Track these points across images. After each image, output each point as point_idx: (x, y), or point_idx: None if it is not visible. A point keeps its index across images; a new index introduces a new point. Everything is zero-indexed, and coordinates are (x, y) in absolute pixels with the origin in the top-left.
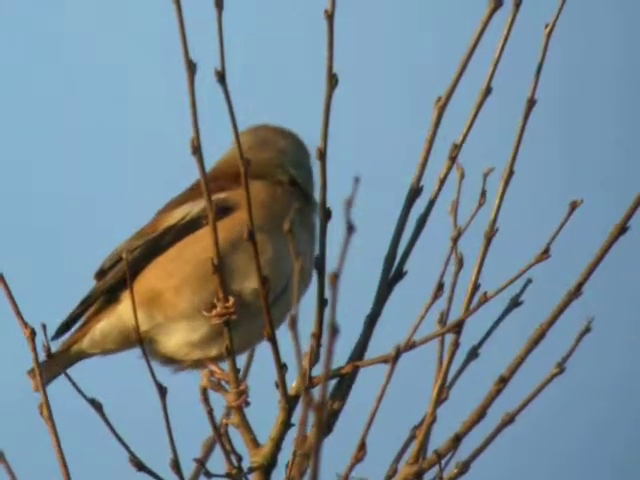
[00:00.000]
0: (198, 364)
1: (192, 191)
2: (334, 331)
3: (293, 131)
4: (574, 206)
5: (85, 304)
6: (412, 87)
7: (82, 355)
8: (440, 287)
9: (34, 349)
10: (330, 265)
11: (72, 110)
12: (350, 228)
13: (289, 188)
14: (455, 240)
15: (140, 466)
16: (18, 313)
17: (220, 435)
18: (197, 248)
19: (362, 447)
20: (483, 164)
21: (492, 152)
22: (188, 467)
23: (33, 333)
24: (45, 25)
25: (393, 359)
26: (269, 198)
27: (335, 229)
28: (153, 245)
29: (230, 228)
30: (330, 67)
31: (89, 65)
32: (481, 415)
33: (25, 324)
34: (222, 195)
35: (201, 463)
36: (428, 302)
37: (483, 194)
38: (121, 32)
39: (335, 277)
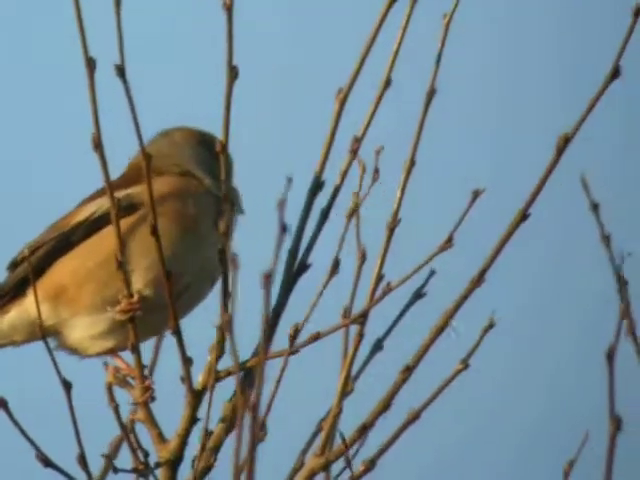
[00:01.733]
0: (104, 354)
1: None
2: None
3: (207, 133)
4: (476, 195)
5: None
6: (312, 80)
7: None
8: (335, 267)
9: None
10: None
11: None
12: (283, 228)
13: (198, 182)
14: (357, 231)
15: (47, 462)
16: None
17: (127, 431)
18: (101, 245)
19: (262, 426)
20: (384, 156)
21: (393, 144)
22: (97, 463)
23: None
24: None
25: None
26: (175, 193)
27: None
28: (63, 240)
29: (135, 224)
30: (230, 59)
31: None
32: (387, 405)
33: None
34: (127, 191)
35: (108, 459)
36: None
37: (376, 171)
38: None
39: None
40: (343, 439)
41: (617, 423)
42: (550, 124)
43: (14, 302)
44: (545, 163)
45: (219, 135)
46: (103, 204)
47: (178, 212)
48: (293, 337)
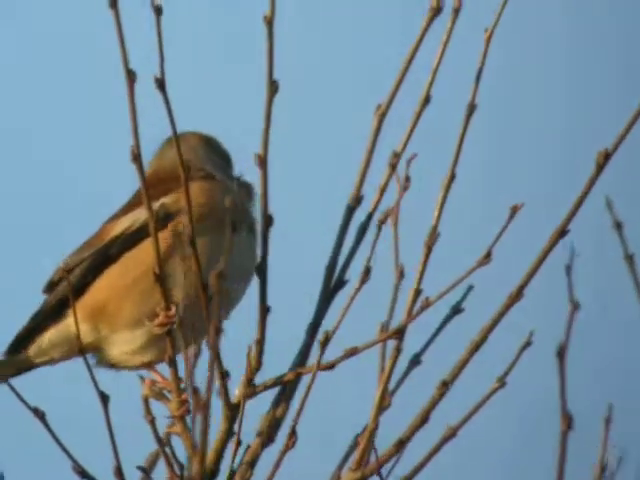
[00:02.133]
0: (143, 368)
1: (136, 199)
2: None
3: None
4: (515, 210)
5: (36, 320)
6: (352, 95)
7: (28, 363)
8: (366, 274)
9: None
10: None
11: None
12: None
13: (223, 184)
14: (396, 248)
15: (83, 474)
16: None
17: (162, 444)
18: (139, 258)
19: (292, 434)
20: (424, 172)
21: (432, 159)
22: (133, 475)
23: None
24: None
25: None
26: (209, 199)
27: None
28: (100, 257)
29: (172, 235)
30: (270, 73)
31: None
32: (424, 419)
33: None
34: (162, 201)
35: (144, 471)
36: (355, 289)
37: (407, 179)
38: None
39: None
40: (376, 455)
41: (569, 421)
42: (590, 139)
43: (54, 321)
44: (584, 179)
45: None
46: (139, 216)
47: (215, 217)
48: (324, 344)
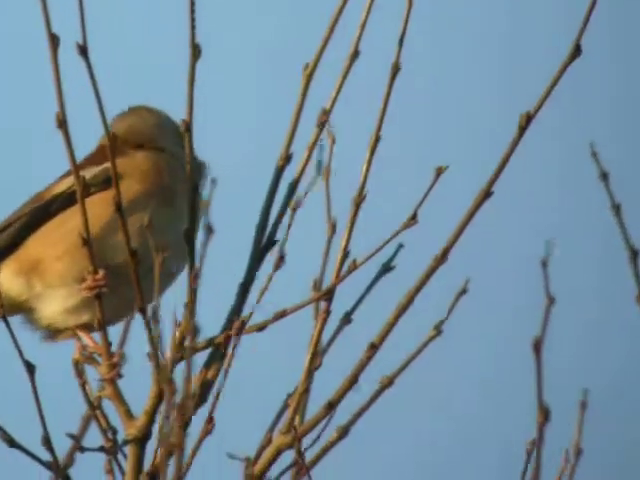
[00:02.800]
0: (72, 335)
1: (85, 161)
2: None
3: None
4: (439, 172)
5: None
6: (278, 56)
7: None
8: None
9: None
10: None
11: None
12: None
13: (173, 158)
14: (328, 204)
15: (11, 442)
16: None
17: (94, 408)
18: (76, 219)
19: (210, 420)
20: (351, 130)
21: (360, 118)
22: (65, 444)
23: None
24: None
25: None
26: (154, 167)
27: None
28: (39, 213)
29: (108, 199)
30: (193, 38)
31: None
32: (353, 382)
33: None
34: (105, 165)
35: (75, 438)
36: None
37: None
38: None
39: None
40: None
41: (545, 413)
42: (515, 100)
43: None
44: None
45: (177, 115)
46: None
47: (156, 185)
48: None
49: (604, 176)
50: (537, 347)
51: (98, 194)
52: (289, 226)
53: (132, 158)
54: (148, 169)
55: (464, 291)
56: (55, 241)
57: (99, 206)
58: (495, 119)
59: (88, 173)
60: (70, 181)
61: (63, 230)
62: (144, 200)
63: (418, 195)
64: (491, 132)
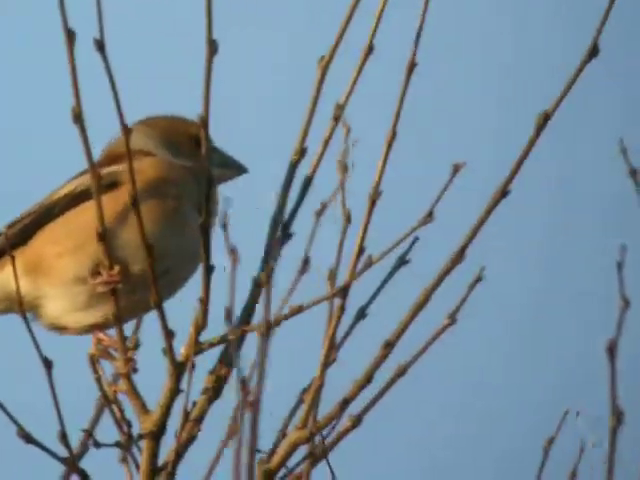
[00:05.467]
0: (85, 330)
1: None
2: None
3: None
4: (457, 169)
5: None
6: (294, 48)
7: None
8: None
9: None
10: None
11: None
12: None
13: (181, 166)
14: (343, 201)
15: (28, 438)
16: None
17: (109, 402)
18: (82, 217)
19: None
20: (368, 125)
21: (376, 114)
22: (79, 436)
23: None
24: None
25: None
26: (159, 174)
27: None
28: (44, 213)
29: (116, 199)
30: (209, 33)
31: None
32: (368, 379)
33: None
34: (111, 169)
35: (89, 433)
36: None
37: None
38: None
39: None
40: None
41: (619, 416)
42: (533, 100)
43: None
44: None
45: (197, 118)
46: (85, 181)
47: (161, 192)
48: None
49: (633, 172)
50: (611, 350)
51: (105, 194)
52: (313, 233)
53: (139, 162)
54: (152, 175)
55: (479, 279)
56: (58, 240)
57: (107, 205)
58: (513, 116)
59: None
60: (73, 185)
61: (66, 229)
62: (149, 206)
63: (434, 192)
64: (509, 129)
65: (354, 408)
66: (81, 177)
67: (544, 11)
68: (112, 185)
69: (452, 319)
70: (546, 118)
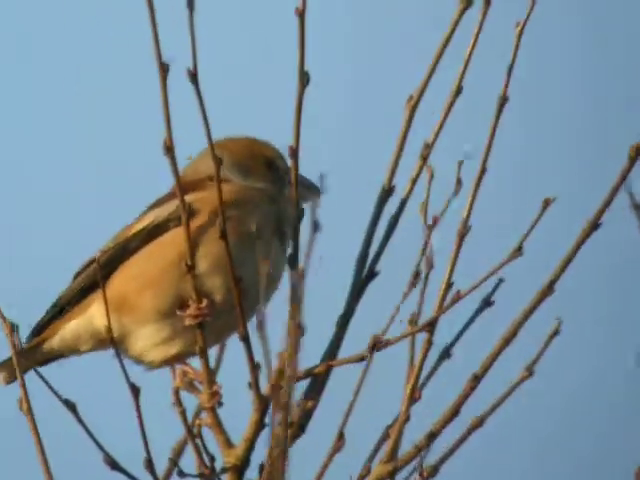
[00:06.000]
0: (169, 363)
1: (166, 196)
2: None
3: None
4: (547, 203)
5: (57, 306)
6: (384, 86)
7: (53, 354)
8: (416, 277)
9: (13, 344)
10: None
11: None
12: (315, 226)
13: (258, 191)
14: (427, 239)
15: (114, 465)
16: None
17: (193, 435)
18: (163, 250)
19: (341, 437)
20: (455, 164)
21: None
22: (162, 466)
23: (13, 329)
24: None
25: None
26: (238, 200)
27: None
28: (121, 249)
29: (197, 230)
30: (302, 65)
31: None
32: (455, 413)
33: (4, 319)
34: (187, 198)
35: (174, 463)
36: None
37: (458, 182)
38: (91, 31)
39: (302, 272)
40: (416, 446)
41: None
42: (626, 132)
43: (77, 312)
44: (617, 172)
45: (275, 143)
46: (160, 213)
47: (240, 219)
48: (372, 348)
49: None
50: None
51: (178, 228)
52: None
53: (212, 191)
54: (230, 202)
55: (556, 332)
56: (139, 276)
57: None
58: (604, 148)
59: (166, 209)
60: (149, 218)
61: (147, 264)
62: (230, 233)
63: (520, 227)
64: (600, 163)
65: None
66: (156, 209)
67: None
68: (189, 215)
69: (529, 371)
70: (639, 150)
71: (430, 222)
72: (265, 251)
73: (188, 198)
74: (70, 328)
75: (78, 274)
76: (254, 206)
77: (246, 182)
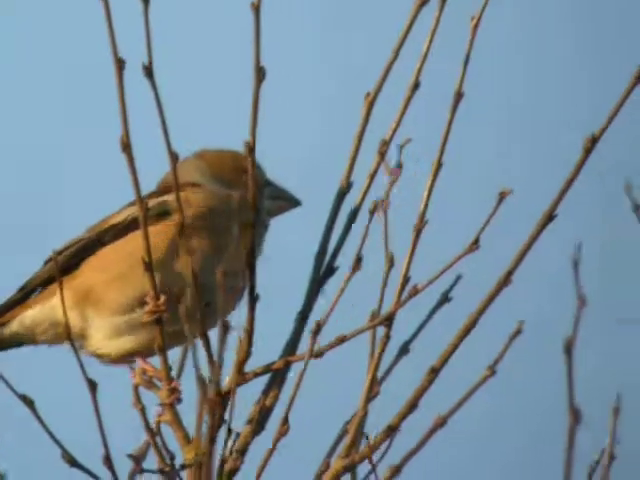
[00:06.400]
0: (126, 357)
1: (149, 194)
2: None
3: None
4: (502, 196)
5: (23, 290)
6: (341, 83)
7: (9, 340)
8: (357, 263)
9: None
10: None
11: None
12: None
13: (231, 201)
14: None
15: (72, 462)
16: None
17: (153, 432)
18: (130, 246)
19: (285, 422)
20: (412, 159)
21: (420, 146)
22: (123, 464)
23: None
24: None
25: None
26: (208, 206)
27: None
28: (94, 241)
29: (166, 229)
30: (257, 60)
31: None
32: (413, 406)
33: None
34: (163, 198)
35: (135, 459)
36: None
37: (401, 166)
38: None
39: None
40: (367, 440)
41: (576, 415)
42: (577, 124)
43: (40, 299)
44: (572, 164)
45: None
46: (135, 210)
47: (209, 224)
48: (315, 333)
49: None
50: (568, 349)
51: (154, 224)
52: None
53: (189, 193)
54: (201, 207)
55: (518, 332)
56: (105, 269)
57: (156, 234)
58: (559, 141)
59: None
60: (125, 213)
61: (115, 257)
62: (197, 240)
63: (476, 220)
64: (554, 155)
65: (401, 439)
66: (132, 206)
67: (591, 29)
68: (163, 214)
69: (492, 370)
70: (593, 141)
71: (390, 219)
72: (231, 258)
73: (167, 197)
74: (30, 314)
75: (48, 261)
76: (225, 212)
77: (226, 192)
